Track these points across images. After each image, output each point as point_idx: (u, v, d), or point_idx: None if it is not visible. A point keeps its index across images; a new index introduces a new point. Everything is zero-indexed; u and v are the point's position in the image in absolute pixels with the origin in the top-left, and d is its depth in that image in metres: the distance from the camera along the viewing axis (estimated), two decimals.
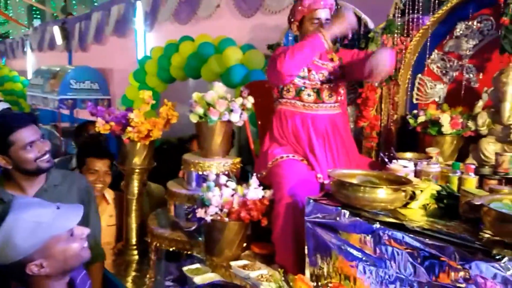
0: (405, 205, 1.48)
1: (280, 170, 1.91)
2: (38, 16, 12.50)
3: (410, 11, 2.39)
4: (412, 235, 1.30)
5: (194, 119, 2.18)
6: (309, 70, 2.08)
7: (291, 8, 2.16)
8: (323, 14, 2.04)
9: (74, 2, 9.14)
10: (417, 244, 1.28)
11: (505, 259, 1.09)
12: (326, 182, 1.88)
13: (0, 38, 13.07)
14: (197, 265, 1.95)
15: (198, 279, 1.81)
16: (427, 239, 1.26)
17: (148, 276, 2.27)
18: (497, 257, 1.10)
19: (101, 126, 2.28)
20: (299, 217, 1.69)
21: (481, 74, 2.23)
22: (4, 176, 1.67)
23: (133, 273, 2.33)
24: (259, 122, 2.58)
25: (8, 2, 13.77)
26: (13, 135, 1.54)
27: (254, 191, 1.87)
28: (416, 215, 1.43)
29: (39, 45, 9.42)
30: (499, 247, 1.13)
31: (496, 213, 1.15)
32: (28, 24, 11.92)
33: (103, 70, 7.17)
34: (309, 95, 2.07)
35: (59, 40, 8.04)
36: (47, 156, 1.62)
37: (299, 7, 2.06)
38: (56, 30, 7.97)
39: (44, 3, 11.05)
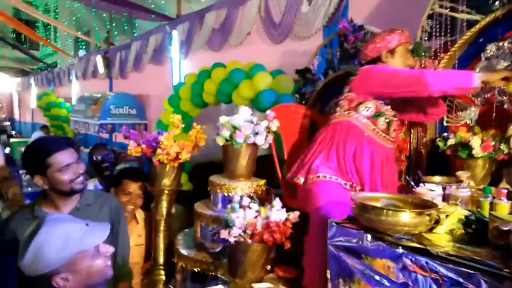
0: (430, 230, 1.43)
1: (319, 190, 1.88)
2: (83, 47, 13.35)
3: (437, 33, 2.37)
4: (436, 261, 1.25)
5: (220, 141, 2.23)
6: (390, 101, 2.05)
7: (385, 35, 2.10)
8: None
9: (116, 33, 9.71)
10: (442, 270, 1.22)
11: None
12: None
13: (49, 68, 14.03)
14: (221, 287, 1.96)
15: None
16: (452, 265, 1.21)
17: None
18: None
19: (133, 149, 2.37)
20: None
21: None
22: (42, 195, 1.78)
23: None
24: (285, 145, 2.60)
25: (57, 35, 14.82)
26: (51, 158, 1.64)
27: (277, 213, 1.88)
28: (441, 240, 1.37)
29: (83, 74, 10.02)
30: None
31: None
32: (74, 54, 12.74)
33: (140, 96, 7.50)
34: (383, 123, 2.02)
35: (101, 68, 8.53)
36: (80, 178, 1.71)
37: (397, 36, 2.06)
38: (99, 59, 8.48)
39: (89, 35, 11.80)
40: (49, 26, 14.72)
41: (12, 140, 10.06)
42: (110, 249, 1.30)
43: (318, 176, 1.93)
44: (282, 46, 4.23)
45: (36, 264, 1.17)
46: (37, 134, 8.91)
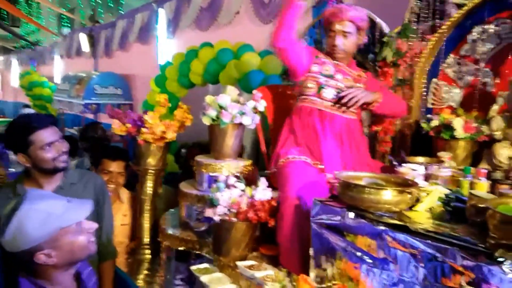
0: (410, 208, 1.47)
1: (287, 171, 1.91)
2: (68, 25, 12.98)
3: (426, 15, 2.37)
4: (415, 237, 1.28)
5: (206, 121, 2.22)
6: (335, 72, 2.10)
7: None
8: (338, 26, 2.04)
9: (101, 10, 9.46)
10: (420, 246, 1.26)
11: (508, 262, 1.06)
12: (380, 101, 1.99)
13: (31, 46, 13.64)
14: (206, 265, 1.98)
15: (205, 278, 1.83)
16: (430, 241, 1.24)
17: (158, 275, 2.31)
18: (500, 260, 1.08)
19: (117, 128, 2.35)
20: (304, 219, 1.69)
21: (497, 78, 2.18)
22: (24, 174, 1.75)
23: (145, 272, 2.38)
24: (271, 126, 2.59)
25: (40, 11, 14.37)
26: (33, 135, 1.61)
27: (262, 192, 1.89)
28: (421, 217, 1.41)
29: (67, 52, 9.78)
30: (503, 250, 1.10)
31: (500, 215, 1.13)
32: (57, 32, 12.39)
33: (126, 76, 7.38)
34: (328, 93, 2.06)
35: (85, 47, 8.33)
36: (64, 156, 1.69)
37: (322, 17, 2.10)
38: (83, 38, 8.27)
39: (73, 12, 11.48)
40: (32, 2, 14.24)
41: None
42: (93, 225, 1.29)
43: (288, 158, 1.99)
44: (271, 26, 4.16)
45: (18, 240, 1.17)
46: (27, 111, 8.68)
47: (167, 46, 5.98)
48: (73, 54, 9.46)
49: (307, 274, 1.63)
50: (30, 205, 1.19)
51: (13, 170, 3.82)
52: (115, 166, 2.48)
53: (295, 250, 1.77)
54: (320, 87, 2.08)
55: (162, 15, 5.89)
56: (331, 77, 2.09)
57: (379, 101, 2.03)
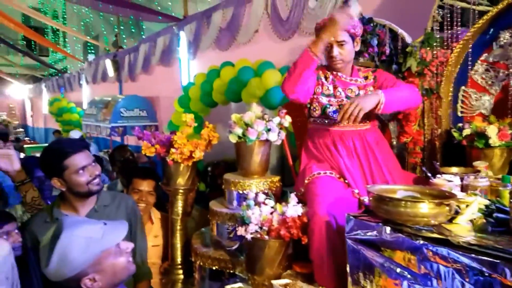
0: (450, 221, 1.42)
1: (314, 187, 1.90)
2: (93, 51, 13.47)
3: (448, 24, 2.35)
4: (458, 251, 1.24)
5: (233, 139, 2.24)
6: (334, 88, 2.08)
7: None
8: (333, 37, 1.96)
9: (124, 36, 9.78)
10: (465, 261, 1.21)
11: None
12: (363, 198, 1.85)
13: (59, 73, 14.20)
14: (239, 284, 1.97)
15: None
16: (474, 255, 1.20)
17: None
18: None
19: (147, 149, 2.39)
20: (335, 234, 1.67)
21: None
22: (60, 197, 1.81)
23: None
24: (298, 142, 2.59)
25: (66, 40, 14.98)
26: (68, 160, 1.67)
27: (293, 208, 1.88)
28: (462, 230, 1.36)
29: (93, 78, 10.13)
30: None
31: None
32: (83, 59, 12.87)
33: (150, 98, 7.56)
34: (335, 112, 2.04)
35: (110, 72, 8.60)
36: (97, 180, 1.74)
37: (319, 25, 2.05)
38: (108, 63, 8.56)
39: (97, 39, 11.91)
40: (58, 32, 14.88)
41: (25, 146, 10.22)
42: (130, 245, 1.32)
43: (313, 175, 1.98)
44: (290, 42, 4.22)
45: (63, 269, 1.19)
46: (75, 134, 8.87)
47: (189, 67, 6.11)
48: (98, 79, 9.78)
49: None
50: (70, 232, 1.22)
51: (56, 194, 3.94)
52: (145, 185, 2.53)
53: (327, 266, 1.74)
54: (324, 108, 2.07)
55: (183, 37, 6.05)
56: (332, 95, 2.08)
57: (383, 102, 1.89)
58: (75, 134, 8.40)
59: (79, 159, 1.68)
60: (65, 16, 14.29)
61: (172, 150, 2.32)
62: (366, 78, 2.13)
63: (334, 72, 2.11)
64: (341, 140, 2.04)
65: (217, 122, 3.06)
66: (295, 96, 1.99)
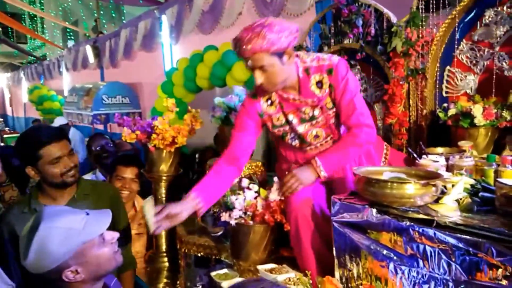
0: (436, 201, 1.41)
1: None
2: (72, 37, 13.10)
3: (434, 2, 2.31)
4: (445, 231, 1.22)
5: (216, 123, 2.18)
6: (284, 115, 1.81)
7: None
8: (249, 63, 1.62)
9: (104, 21, 9.51)
10: (451, 241, 1.20)
11: None
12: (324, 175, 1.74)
13: (38, 61, 13.81)
14: (225, 270, 1.93)
15: (226, 284, 1.79)
16: (461, 235, 1.18)
17: (178, 282, 2.27)
18: None
19: (127, 135, 2.32)
20: (310, 219, 1.67)
21: None
22: (37, 188, 1.74)
23: (164, 280, 2.35)
24: None
25: (45, 26, 14.53)
26: (42, 149, 1.59)
27: (276, 192, 1.84)
28: (448, 210, 1.35)
29: (73, 65, 9.86)
30: None
31: None
32: (63, 45, 12.51)
33: (133, 85, 7.39)
34: (292, 139, 1.87)
35: (91, 58, 8.37)
36: (72, 171, 1.66)
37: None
38: (88, 49, 8.32)
39: (77, 24, 11.57)
40: (36, 18, 14.41)
41: (5, 136, 9.96)
42: (115, 235, 1.26)
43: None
44: None
45: (42, 261, 1.14)
46: (59, 121, 8.67)
47: (171, 52, 5.97)
48: (79, 66, 9.52)
49: (331, 275, 1.58)
50: (49, 224, 1.16)
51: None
52: (129, 172, 2.48)
53: (306, 251, 1.73)
54: (283, 136, 1.88)
55: (165, 21, 5.89)
56: (285, 124, 1.84)
57: (323, 174, 1.72)
58: (60, 121, 8.21)
59: (54, 149, 1.61)
60: (42, 1, 13.83)
61: (154, 135, 2.26)
62: (320, 84, 1.75)
63: (280, 93, 1.78)
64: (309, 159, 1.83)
65: (202, 108, 2.99)
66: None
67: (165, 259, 2.50)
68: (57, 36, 13.91)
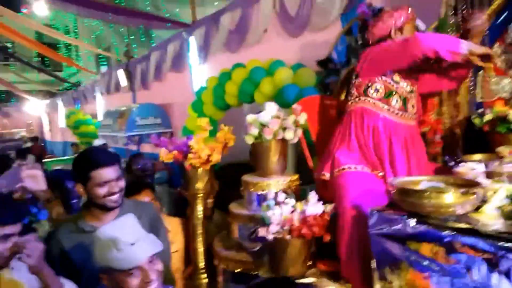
0: (477, 209, 1.38)
1: (343, 181, 1.87)
2: (105, 63, 13.67)
3: (463, 8, 2.29)
4: (487, 240, 1.20)
5: (250, 140, 2.23)
6: (400, 77, 2.04)
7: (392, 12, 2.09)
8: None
9: (134, 46, 9.90)
10: (493, 249, 1.18)
11: None
12: None
13: (74, 87, 14.46)
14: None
15: None
16: (505, 243, 1.16)
17: None
18: None
19: (164, 156, 2.40)
20: (364, 229, 1.64)
21: None
22: (84, 207, 1.82)
23: None
24: (314, 138, 2.56)
25: (79, 53, 15.25)
26: (94, 172, 1.67)
27: (313, 206, 1.86)
28: (490, 218, 1.32)
29: (107, 89, 10.27)
30: None
31: None
32: (96, 71, 13.07)
33: (164, 105, 7.62)
34: (397, 101, 2.01)
35: (123, 82, 8.71)
36: (115, 196, 1.71)
37: (405, 13, 2.06)
38: (121, 73, 8.66)
39: (109, 50, 12.09)
40: (70, 46, 15.15)
41: (44, 160, 10.42)
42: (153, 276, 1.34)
43: (343, 169, 1.94)
44: (301, 39, 4.19)
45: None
46: (98, 142, 9.06)
47: (200, 72, 6.13)
48: (112, 90, 9.91)
49: (372, 287, 1.57)
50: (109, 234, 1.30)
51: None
52: (143, 197, 2.50)
53: (356, 262, 1.72)
54: (389, 93, 2.02)
55: (193, 42, 6.08)
56: (398, 83, 2.04)
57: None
58: (98, 142, 8.54)
59: (104, 173, 1.68)
60: (76, 30, 14.56)
61: (190, 155, 2.33)
62: None
63: None
64: (394, 131, 1.98)
65: (231, 124, 3.05)
66: (420, 54, 1.80)
67: (204, 275, 2.53)
68: (90, 63, 14.56)
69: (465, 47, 1.74)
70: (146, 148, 8.05)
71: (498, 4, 2.13)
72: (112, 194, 1.70)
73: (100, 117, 10.36)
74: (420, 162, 1.97)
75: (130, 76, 8.64)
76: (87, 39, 13.30)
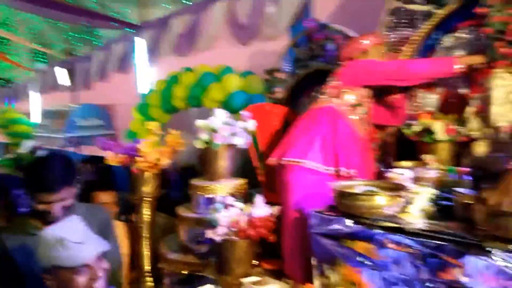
0: (403, 210, 1.56)
1: (292, 179, 1.96)
2: (42, 59, 12.88)
3: (398, 27, 2.53)
4: (411, 237, 1.37)
5: (200, 145, 2.28)
6: (368, 92, 2.25)
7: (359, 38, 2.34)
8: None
9: (76, 43, 9.47)
10: (417, 245, 1.34)
11: (495, 251, 1.16)
12: None
13: (5, 83, 13.45)
14: (210, 286, 2.00)
15: None
16: (425, 239, 1.33)
17: None
18: (488, 250, 1.17)
19: (111, 159, 2.38)
20: (306, 230, 1.76)
21: (470, 81, 2.33)
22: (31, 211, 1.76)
23: None
24: (262, 144, 2.68)
25: (11, 48, 14.21)
26: (40, 194, 1.63)
27: (260, 208, 1.95)
28: (414, 218, 1.50)
29: (43, 87, 9.70)
30: (490, 240, 1.20)
31: (486, 209, 1.23)
32: (32, 68, 12.27)
33: (107, 106, 7.37)
34: (362, 111, 2.21)
35: (62, 80, 8.29)
36: (56, 212, 1.64)
37: (371, 38, 2.29)
38: (60, 71, 8.24)
39: (47, 47, 11.44)
40: (3, 40, 14.10)
41: None
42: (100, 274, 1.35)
43: (297, 162, 1.98)
44: (250, 47, 4.30)
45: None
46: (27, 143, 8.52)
47: (147, 74, 6.04)
48: (49, 88, 9.39)
49: (312, 283, 1.69)
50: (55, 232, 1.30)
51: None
52: (107, 197, 2.51)
53: (298, 260, 1.84)
54: (359, 104, 2.20)
55: (141, 43, 5.97)
56: (366, 97, 2.24)
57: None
58: (27, 144, 8.01)
59: (50, 197, 1.61)
60: (8, 22, 13.58)
61: (138, 158, 2.33)
62: None
63: None
64: (358, 138, 2.16)
65: (176, 127, 3.05)
66: (414, 82, 2.18)
67: (149, 279, 2.53)
68: (25, 58, 13.64)
69: (459, 63, 2.02)
70: (86, 150, 7.73)
71: (429, 28, 2.37)
72: (53, 211, 1.65)
73: (34, 117, 9.76)
74: (370, 166, 2.14)
75: (70, 74, 8.25)
76: (22, 33, 12.46)
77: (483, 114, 2.11)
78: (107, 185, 2.59)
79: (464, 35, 2.33)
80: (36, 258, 1.33)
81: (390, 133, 2.54)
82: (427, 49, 2.48)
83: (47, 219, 1.64)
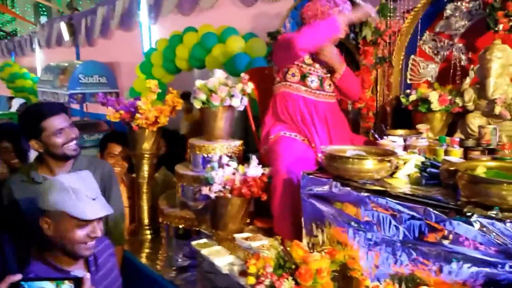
0: (391, 175, 1.61)
1: (277, 147, 2.04)
2: (45, 13, 12.67)
3: None
4: (395, 200, 1.43)
5: (197, 105, 2.32)
6: (313, 59, 2.22)
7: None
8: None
9: None
10: (400, 208, 1.41)
11: (475, 216, 1.22)
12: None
13: (8, 36, 13.31)
14: (205, 240, 2.10)
15: (205, 251, 1.96)
16: (408, 203, 1.39)
17: (160, 252, 2.44)
18: (468, 215, 1.23)
19: (112, 115, 2.43)
20: (295, 190, 1.83)
21: (470, 53, 2.33)
22: (38, 160, 1.83)
23: (147, 250, 2.50)
24: (261, 108, 2.70)
25: (15, 0, 13.95)
26: (46, 121, 1.68)
27: (254, 169, 2.02)
28: (400, 183, 1.55)
29: (47, 42, 9.60)
30: (471, 206, 1.25)
31: (468, 176, 1.28)
32: (35, 21, 12.09)
33: (110, 64, 7.33)
34: (312, 81, 2.20)
35: (66, 36, 8.20)
36: (73, 143, 1.74)
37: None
38: (63, 26, 8.13)
39: (50, 0, 11.21)
40: None
41: None
42: (98, 233, 1.37)
43: (278, 134, 2.13)
44: (254, 8, 4.24)
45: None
46: (17, 102, 8.66)
47: (150, 32, 5.97)
48: (53, 43, 9.30)
49: (300, 241, 1.77)
50: (67, 178, 1.34)
51: None
52: (121, 150, 2.59)
53: (287, 219, 1.92)
54: (304, 75, 2.20)
55: (143, 0, 5.86)
56: (311, 65, 2.22)
57: (341, 73, 2.21)
58: (17, 101, 8.11)
59: (56, 122, 1.69)
60: None
61: (137, 115, 2.37)
62: None
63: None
64: (315, 108, 2.18)
65: (181, 88, 3.07)
66: (302, 54, 2.10)
67: (148, 231, 2.65)
68: (28, 11, 13.41)
69: (342, 23, 2.03)
70: (90, 107, 7.77)
71: None
72: (70, 140, 1.72)
73: (38, 72, 9.73)
74: (342, 135, 2.18)
75: (73, 30, 8.15)
76: None
77: (480, 86, 2.12)
78: (122, 138, 2.63)
79: (464, 5, 2.31)
80: (42, 200, 1.34)
81: (389, 101, 2.57)
82: (431, 16, 2.46)
83: (67, 154, 1.73)
